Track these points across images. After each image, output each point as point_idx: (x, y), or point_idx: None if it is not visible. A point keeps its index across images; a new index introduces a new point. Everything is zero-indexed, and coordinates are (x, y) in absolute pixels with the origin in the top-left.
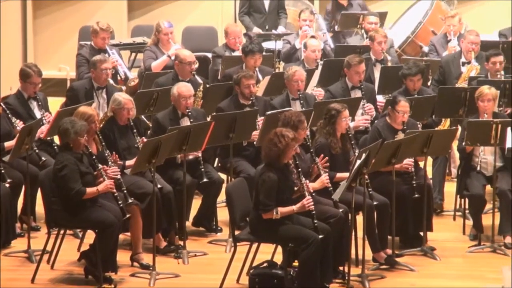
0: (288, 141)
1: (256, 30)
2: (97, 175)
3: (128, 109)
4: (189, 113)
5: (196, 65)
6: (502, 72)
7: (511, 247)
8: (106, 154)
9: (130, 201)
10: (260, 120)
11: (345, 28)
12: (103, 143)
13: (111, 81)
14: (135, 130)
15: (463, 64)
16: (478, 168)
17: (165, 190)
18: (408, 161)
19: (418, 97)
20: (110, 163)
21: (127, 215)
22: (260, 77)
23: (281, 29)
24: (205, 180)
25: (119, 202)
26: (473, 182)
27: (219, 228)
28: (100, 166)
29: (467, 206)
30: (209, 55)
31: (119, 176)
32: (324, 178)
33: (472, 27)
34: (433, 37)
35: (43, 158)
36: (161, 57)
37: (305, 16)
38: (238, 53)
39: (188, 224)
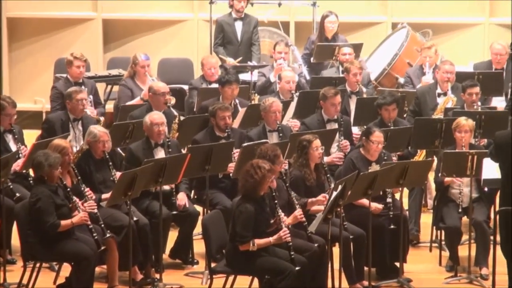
0: (264, 173)
1: (231, 60)
2: (72, 207)
3: (103, 141)
4: (169, 142)
5: (173, 102)
6: (479, 103)
7: (487, 278)
8: (82, 188)
9: (108, 235)
10: (235, 153)
11: (321, 60)
12: (79, 177)
13: (88, 112)
14: (110, 163)
15: (439, 95)
16: (458, 201)
17: (141, 222)
18: (377, 206)
19: (394, 128)
20: (86, 197)
21: (102, 247)
22: (239, 108)
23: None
24: (174, 212)
25: (94, 234)
26: (449, 213)
27: (195, 260)
28: (75, 198)
29: (443, 238)
30: (185, 87)
31: (96, 210)
32: (298, 213)
33: (447, 58)
34: (409, 69)
35: (17, 194)
36: (136, 91)
37: (280, 48)
38: (214, 85)
39: (165, 256)
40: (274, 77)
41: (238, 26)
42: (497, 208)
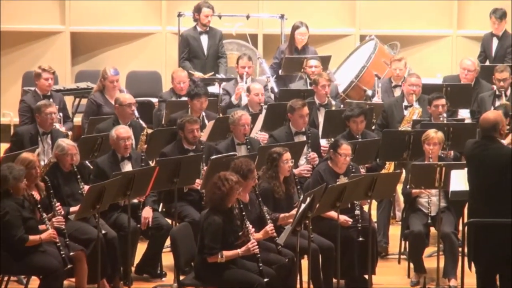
0: (232, 185)
1: (199, 74)
2: (39, 220)
3: (71, 154)
4: (143, 156)
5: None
6: (445, 115)
7: None
8: (53, 202)
9: (71, 253)
10: (204, 170)
11: (289, 72)
12: (51, 191)
13: (57, 126)
14: (79, 176)
15: (406, 107)
16: (427, 210)
17: (110, 235)
18: (346, 219)
19: (362, 141)
20: (55, 212)
21: (69, 266)
22: (206, 121)
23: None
24: (139, 225)
25: (62, 252)
26: (415, 221)
27: (163, 273)
28: (44, 215)
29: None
30: (153, 99)
31: (63, 226)
32: (269, 228)
33: (415, 71)
34: (377, 82)
35: None
36: (106, 106)
37: (243, 62)
38: (184, 98)
39: (133, 269)
40: (235, 99)
41: (204, 39)
42: (465, 220)
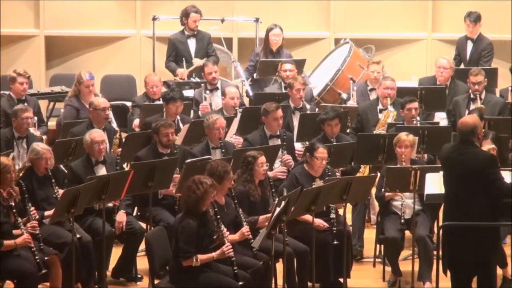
0: (206, 188)
1: (182, 70)
2: (14, 224)
3: (46, 158)
4: (118, 160)
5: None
6: (418, 118)
7: None
8: (28, 207)
9: (46, 257)
10: (177, 177)
11: (264, 76)
12: (26, 195)
13: (31, 130)
14: (53, 180)
15: (381, 111)
16: (400, 212)
17: (84, 239)
18: (321, 223)
19: (337, 144)
20: (30, 216)
21: (44, 271)
22: (181, 125)
23: None
24: (113, 229)
25: (36, 257)
26: (390, 225)
27: (140, 276)
28: (19, 219)
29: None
30: (128, 103)
31: (37, 231)
32: (245, 230)
33: (390, 74)
34: (353, 85)
35: None
36: (82, 110)
37: (209, 69)
38: (157, 102)
39: (108, 273)
40: (201, 113)
41: (192, 43)
42: (440, 223)
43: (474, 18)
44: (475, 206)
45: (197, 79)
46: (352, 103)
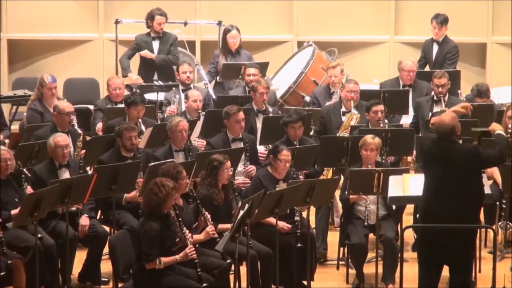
0: (168, 190)
1: (132, 76)
2: None
3: (6, 159)
4: (81, 163)
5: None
6: (386, 121)
7: None
8: None
9: (9, 261)
10: (139, 181)
11: (227, 79)
12: None
13: None
14: (15, 183)
15: (344, 113)
16: (365, 218)
17: (48, 243)
18: (285, 225)
19: (300, 147)
20: None
21: (2, 273)
22: (143, 128)
23: None
24: (77, 233)
25: None
26: (355, 231)
27: (105, 279)
28: None
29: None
30: (91, 107)
31: (0, 235)
32: (209, 229)
33: (353, 77)
34: (315, 89)
35: None
36: (46, 114)
37: (184, 68)
38: (120, 105)
39: (73, 277)
40: (167, 115)
41: (155, 45)
42: (404, 225)
43: (441, 20)
44: (462, 199)
45: (160, 82)
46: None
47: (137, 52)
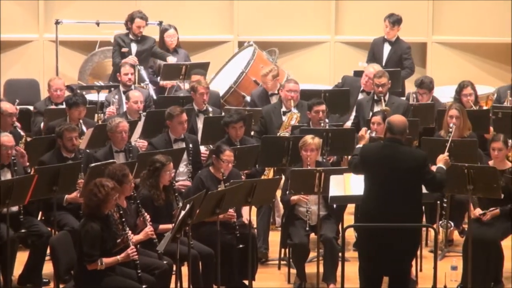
0: (108, 191)
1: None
2: None
3: None
4: (14, 160)
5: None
6: (327, 120)
7: None
8: None
9: None
10: (80, 182)
11: (168, 80)
12: None
13: None
14: None
15: (284, 113)
16: (306, 219)
17: None
18: (230, 211)
19: (241, 147)
20: None
21: None
22: (84, 129)
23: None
24: (22, 230)
25: None
26: (296, 231)
27: (45, 280)
28: None
29: (291, 255)
30: (32, 107)
31: None
32: (148, 229)
33: (293, 76)
34: (253, 91)
35: None
36: None
37: (126, 70)
38: (61, 105)
39: (14, 278)
40: (106, 116)
41: (134, 46)
42: (345, 225)
43: (394, 20)
44: (407, 203)
45: (101, 83)
46: None
47: (117, 49)
